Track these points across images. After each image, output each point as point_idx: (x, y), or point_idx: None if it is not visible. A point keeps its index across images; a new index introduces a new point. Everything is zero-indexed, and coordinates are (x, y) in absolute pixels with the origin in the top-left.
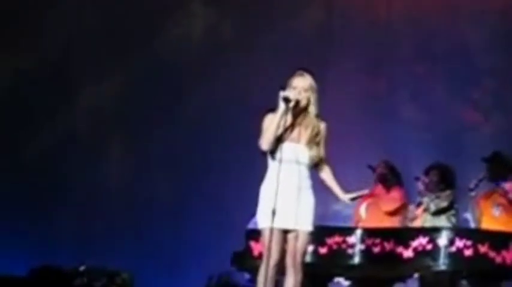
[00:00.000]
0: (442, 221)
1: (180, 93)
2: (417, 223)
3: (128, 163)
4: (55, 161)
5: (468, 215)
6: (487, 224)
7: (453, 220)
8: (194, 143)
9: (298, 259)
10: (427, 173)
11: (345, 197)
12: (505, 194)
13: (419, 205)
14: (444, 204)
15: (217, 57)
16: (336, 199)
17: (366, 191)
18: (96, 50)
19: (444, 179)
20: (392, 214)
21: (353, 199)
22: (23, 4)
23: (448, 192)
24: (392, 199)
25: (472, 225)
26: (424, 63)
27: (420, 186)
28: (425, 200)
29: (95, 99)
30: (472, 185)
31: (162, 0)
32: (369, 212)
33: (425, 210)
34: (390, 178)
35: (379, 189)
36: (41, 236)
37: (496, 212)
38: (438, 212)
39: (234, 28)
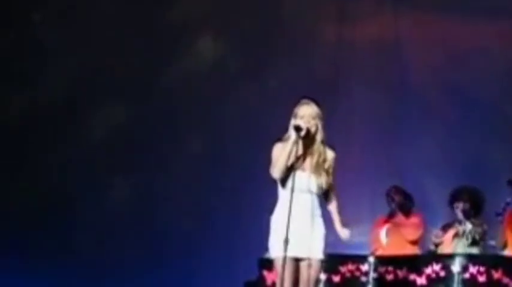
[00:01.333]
0: (476, 249)
1: (190, 127)
2: (446, 249)
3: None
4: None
5: (494, 242)
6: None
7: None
8: (205, 175)
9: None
10: (456, 198)
11: (342, 232)
12: None
13: (444, 228)
14: (481, 233)
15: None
16: (348, 226)
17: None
18: (104, 81)
19: (475, 204)
20: (416, 241)
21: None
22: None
23: (482, 220)
24: (415, 225)
25: (498, 252)
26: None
27: (459, 213)
28: (465, 228)
29: (104, 129)
30: (500, 210)
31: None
32: (390, 238)
33: (457, 235)
34: (406, 204)
35: (399, 216)
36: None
37: None
38: (475, 241)
39: (242, 60)
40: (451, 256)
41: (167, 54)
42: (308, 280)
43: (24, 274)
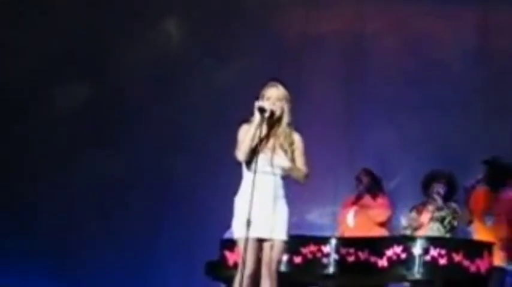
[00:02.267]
0: (450, 235)
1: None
2: (423, 232)
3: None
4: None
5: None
6: (479, 234)
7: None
8: (166, 156)
9: (273, 268)
10: (433, 180)
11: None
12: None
13: (417, 210)
14: (458, 218)
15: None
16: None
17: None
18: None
19: (452, 188)
20: (384, 223)
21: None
22: None
23: (456, 207)
24: (382, 207)
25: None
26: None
27: (438, 197)
28: (444, 214)
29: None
30: (468, 185)
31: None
32: (357, 220)
33: (432, 219)
34: (374, 186)
35: (366, 198)
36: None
37: (488, 222)
38: (452, 228)
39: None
40: (412, 239)
41: (129, 35)
42: (270, 261)
43: None
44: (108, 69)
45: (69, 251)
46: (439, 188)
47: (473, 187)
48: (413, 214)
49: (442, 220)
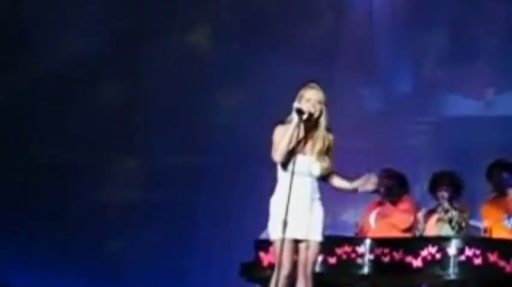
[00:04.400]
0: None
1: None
2: (432, 232)
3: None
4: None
5: (478, 223)
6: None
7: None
8: (197, 155)
9: (309, 269)
10: (437, 184)
11: (354, 184)
12: None
13: (429, 213)
14: (466, 219)
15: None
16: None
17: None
18: None
19: (456, 188)
20: (408, 229)
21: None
22: None
23: (465, 205)
24: (404, 213)
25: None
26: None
27: (444, 201)
28: (451, 216)
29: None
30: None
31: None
32: (378, 222)
33: (440, 220)
34: (396, 189)
35: (387, 205)
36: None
37: (508, 224)
38: (460, 228)
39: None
40: (446, 239)
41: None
42: (306, 262)
43: None
44: (140, 70)
45: (106, 254)
46: (442, 191)
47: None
48: (420, 215)
49: (449, 221)
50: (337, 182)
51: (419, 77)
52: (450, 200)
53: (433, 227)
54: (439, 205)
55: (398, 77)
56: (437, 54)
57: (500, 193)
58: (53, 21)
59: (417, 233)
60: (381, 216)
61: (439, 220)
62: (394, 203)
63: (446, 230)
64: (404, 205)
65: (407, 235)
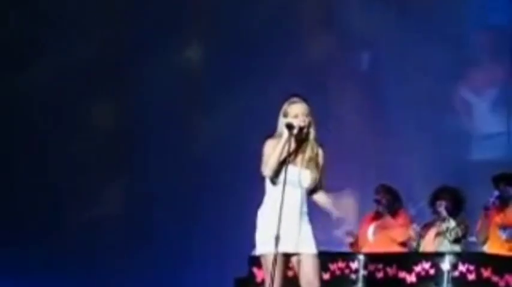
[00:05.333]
0: (458, 247)
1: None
2: (428, 248)
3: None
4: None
5: (474, 238)
6: (492, 247)
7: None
8: (193, 172)
9: (315, 284)
10: (438, 197)
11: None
12: None
13: (426, 226)
14: (463, 230)
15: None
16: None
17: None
18: None
19: (457, 203)
20: (405, 243)
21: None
22: None
23: (463, 218)
24: (402, 226)
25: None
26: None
27: (443, 210)
28: (448, 225)
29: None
30: (489, 204)
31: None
32: (376, 238)
33: (439, 234)
34: (394, 204)
35: (386, 218)
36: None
37: (504, 235)
38: (457, 239)
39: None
40: (440, 254)
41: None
42: (309, 279)
43: None
44: (131, 89)
45: (98, 272)
46: (442, 202)
47: (493, 204)
48: (415, 226)
49: (446, 230)
50: (322, 198)
51: None
52: (449, 211)
53: (431, 242)
54: (437, 218)
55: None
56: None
57: (504, 204)
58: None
59: (413, 247)
60: (380, 228)
61: (437, 234)
62: (393, 216)
63: (445, 246)
64: (401, 219)
65: (404, 249)
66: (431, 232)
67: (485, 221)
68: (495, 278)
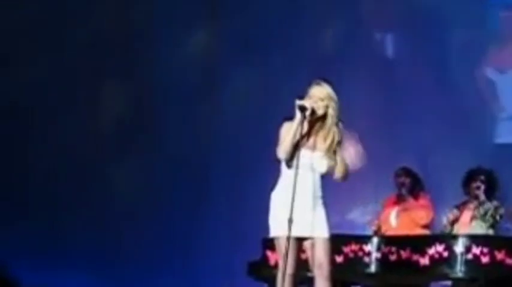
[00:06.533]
0: (492, 231)
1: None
2: (466, 231)
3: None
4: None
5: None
6: None
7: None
8: (201, 153)
9: (326, 269)
10: (474, 178)
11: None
12: None
13: (459, 207)
14: (502, 214)
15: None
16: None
17: None
18: None
19: (492, 185)
20: (428, 225)
21: None
22: None
23: (501, 203)
24: (425, 209)
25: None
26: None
27: (481, 193)
28: (486, 208)
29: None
30: None
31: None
32: (399, 221)
33: (475, 217)
34: (416, 186)
35: (409, 200)
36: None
37: None
38: (495, 222)
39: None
40: (454, 237)
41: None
42: (320, 263)
43: None
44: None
45: (108, 249)
46: (478, 184)
47: None
48: (455, 211)
49: (484, 214)
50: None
51: None
52: (486, 194)
53: (466, 226)
54: (472, 200)
55: None
56: None
57: None
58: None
59: (447, 227)
60: (402, 210)
61: (473, 217)
62: (415, 198)
63: (481, 227)
64: (423, 201)
65: (426, 231)
66: (466, 215)
67: None
68: (509, 261)
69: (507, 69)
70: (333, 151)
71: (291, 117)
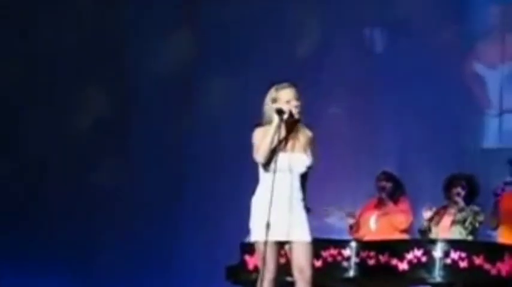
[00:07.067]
0: (471, 237)
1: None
2: (445, 235)
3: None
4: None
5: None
6: (504, 235)
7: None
8: (178, 158)
9: (308, 273)
10: (454, 184)
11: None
12: None
13: (438, 212)
14: (481, 221)
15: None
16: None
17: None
18: None
19: (473, 191)
20: (407, 230)
21: None
22: None
23: (481, 209)
24: (405, 214)
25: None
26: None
27: (459, 199)
28: (465, 215)
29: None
30: (498, 190)
31: None
32: (379, 226)
33: (454, 223)
34: (396, 191)
35: (389, 205)
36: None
37: None
38: (474, 229)
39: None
40: (432, 242)
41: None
42: (301, 267)
43: None
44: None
45: (89, 248)
46: (458, 190)
47: (503, 190)
48: (430, 210)
49: (463, 221)
50: None
51: None
52: (465, 200)
53: (446, 230)
54: (452, 205)
55: None
56: None
57: None
58: None
59: (424, 224)
60: (382, 215)
61: (453, 222)
62: (395, 202)
63: (460, 233)
64: (403, 206)
65: (405, 236)
66: (447, 219)
67: (495, 208)
68: (487, 266)
69: (495, 64)
70: (306, 150)
71: (261, 124)
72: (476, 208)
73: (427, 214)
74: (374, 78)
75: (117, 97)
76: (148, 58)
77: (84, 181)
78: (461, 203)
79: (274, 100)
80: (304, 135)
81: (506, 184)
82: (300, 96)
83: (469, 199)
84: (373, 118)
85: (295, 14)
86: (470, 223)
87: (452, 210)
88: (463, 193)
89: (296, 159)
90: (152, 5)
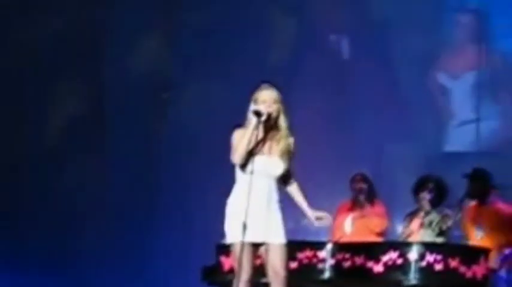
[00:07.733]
0: (441, 239)
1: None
2: (414, 238)
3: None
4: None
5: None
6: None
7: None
8: (154, 160)
9: (281, 274)
10: (421, 187)
11: (312, 215)
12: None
13: (409, 217)
14: (447, 223)
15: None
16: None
17: (330, 219)
18: None
19: (440, 194)
20: (383, 233)
21: (318, 219)
22: None
23: (450, 211)
24: (380, 217)
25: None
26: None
27: (426, 203)
28: (431, 218)
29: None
30: (455, 203)
31: None
32: (355, 228)
33: (423, 225)
34: (371, 193)
35: (365, 207)
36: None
37: (478, 235)
38: (441, 232)
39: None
40: (408, 244)
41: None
42: (275, 269)
43: None
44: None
45: (66, 251)
46: (425, 194)
47: (461, 202)
48: (406, 223)
49: (430, 224)
50: (296, 195)
51: None
52: (432, 203)
53: (415, 233)
54: (421, 208)
55: None
56: None
57: (481, 202)
58: None
59: (402, 237)
60: (359, 217)
61: (421, 225)
62: (371, 205)
63: (429, 236)
64: (378, 208)
65: (381, 239)
66: (415, 222)
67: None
68: (462, 269)
69: (460, 74)
70: (285, 155)
71: (241, 125)
72: (446, 211)
73: (405, 232)
74: (348, 84)
75: (92, 98)
76: (125, 60)
77: (56, 181)
78: (427, 207)
79: (255, 101)
80: (285, 140)
81: (463, 197)
82: (279, 98)
83: (437, 201)
84: (346, 122)
85: (272, 19)
86: (437, 224)
87: (421, 213)
88: (428, 196)
89: (272, 162)
90: (130, 7)
